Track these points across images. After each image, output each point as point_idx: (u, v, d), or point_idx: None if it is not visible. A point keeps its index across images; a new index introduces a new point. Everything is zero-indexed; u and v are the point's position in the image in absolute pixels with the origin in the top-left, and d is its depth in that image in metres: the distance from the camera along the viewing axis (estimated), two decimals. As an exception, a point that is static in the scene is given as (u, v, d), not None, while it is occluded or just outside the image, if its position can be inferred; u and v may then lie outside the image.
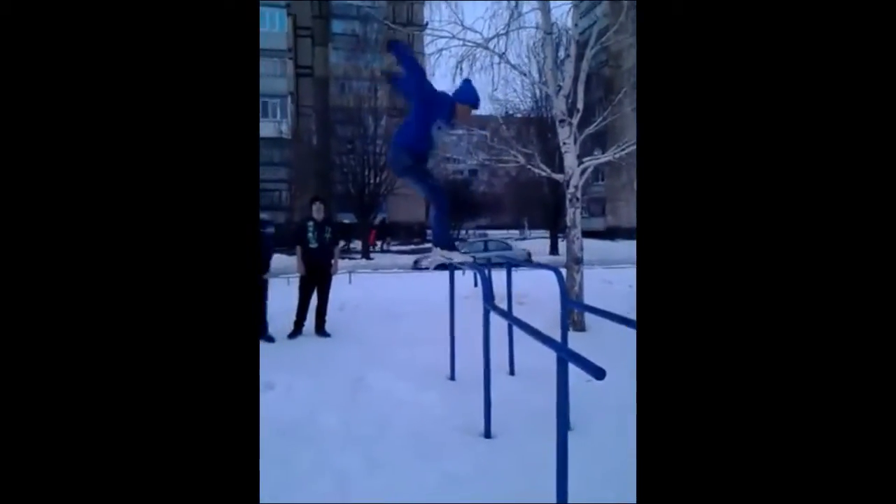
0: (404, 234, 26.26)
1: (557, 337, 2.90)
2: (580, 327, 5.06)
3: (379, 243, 23.76)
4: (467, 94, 2.89)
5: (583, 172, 5.31)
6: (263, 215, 5.06)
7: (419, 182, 2.96)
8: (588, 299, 5.45)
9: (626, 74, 6.37)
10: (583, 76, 5.20)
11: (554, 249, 20.77)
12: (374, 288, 9.03)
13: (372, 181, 20.85)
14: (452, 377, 3.66)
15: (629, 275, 9.67)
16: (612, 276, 9.35)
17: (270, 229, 5.01)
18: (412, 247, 23.13)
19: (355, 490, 2.13)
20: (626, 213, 30.47)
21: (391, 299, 7.27)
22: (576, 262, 5.15)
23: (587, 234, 6.90)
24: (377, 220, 23.27)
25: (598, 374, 1.34)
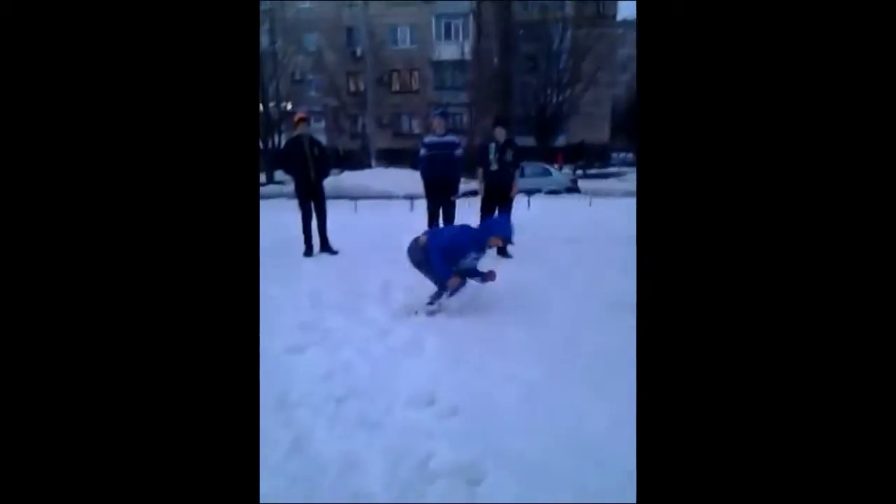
0: (586, 156, 24.92)
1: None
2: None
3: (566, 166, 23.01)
4: (504, 229, 3.26)
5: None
6: (452, 136, 5.16)
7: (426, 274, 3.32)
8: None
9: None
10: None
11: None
12: (552, 211, 8.89)
13: (554, 100, 19.88)
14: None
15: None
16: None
17: (459, 151, 5.12)
18: (595, 170, 21.85)
19: (539, 401, 2.20)
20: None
21: (568, 224, 7.09)
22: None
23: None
24: (561, 143, 22.34)
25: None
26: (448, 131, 5.20)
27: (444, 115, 5.42)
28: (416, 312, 3.27)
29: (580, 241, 5.79)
